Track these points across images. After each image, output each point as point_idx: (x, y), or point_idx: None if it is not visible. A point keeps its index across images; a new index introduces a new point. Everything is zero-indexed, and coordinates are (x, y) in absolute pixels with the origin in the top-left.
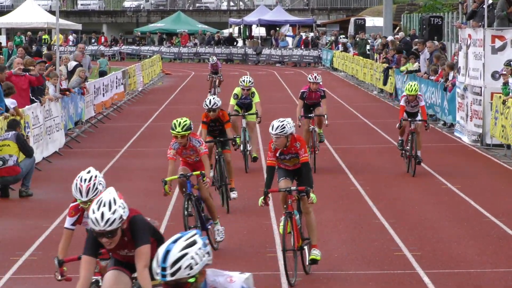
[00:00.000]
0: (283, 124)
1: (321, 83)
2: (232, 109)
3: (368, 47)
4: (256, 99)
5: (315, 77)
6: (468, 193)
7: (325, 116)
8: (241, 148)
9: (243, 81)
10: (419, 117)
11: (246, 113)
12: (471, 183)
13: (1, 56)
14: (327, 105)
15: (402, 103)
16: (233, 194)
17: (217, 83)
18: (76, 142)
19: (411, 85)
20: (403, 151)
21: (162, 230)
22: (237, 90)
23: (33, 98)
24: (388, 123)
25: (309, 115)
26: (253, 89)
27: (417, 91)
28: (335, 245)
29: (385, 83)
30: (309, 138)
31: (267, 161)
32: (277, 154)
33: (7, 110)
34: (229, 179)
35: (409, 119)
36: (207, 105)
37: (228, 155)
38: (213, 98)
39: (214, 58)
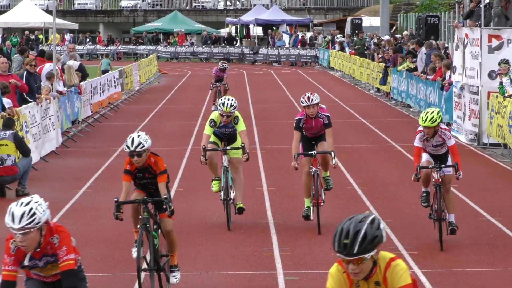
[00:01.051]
0: (32, 209)
1: (321, 104)
2: (208, 141)
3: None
4: (241, 126)
5: (308, 97)
6: (464, 192)
7: (332, 153)
8: (221, 196)
9: (223, 104)
10: (449, 162)
11: (227, 148)
12: (468, 182)
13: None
14: (333, 137)
15: (416, 142)
16: (174, 278)
17: (222, 93)
18: (72, 142)
19: (427, 113)
20: (431, 213)
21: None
22: (214, 114)
23: (27, 97)
24: (385, 122)
25: (310, 152)
26: (237, 113)
27: (436, 121)
28: (332, 244)
29: (384, 83)
30: (311, 185)
31: (2, 272)
32: (26, 261)
33: (3, 109)
34: (169, 253)
35: (432, 166)
36: (128, 147)
37: (167, 223)
38: (138, 136)
39: (226, 63)
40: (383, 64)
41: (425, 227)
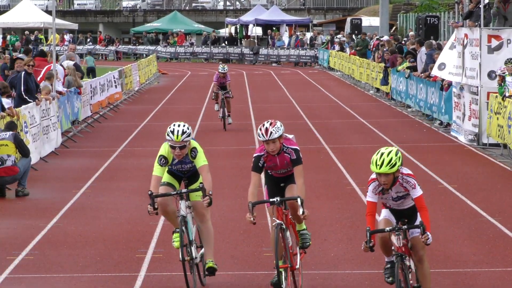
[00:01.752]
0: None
1: (286, 134)
2: (157, 184)
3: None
4: (201, 160)
5: (266, 130)
6: (464, 192)
7: (299, 200)
8: (180, 255)
9: (172, 132)
10: (418, 221)
11: (183, 190)
12: (467, 182)
13: (7, 55)
14: (304, 177)
15: (369, 196)
16: None
17: (225, 104)
18: (72, 142)
19: (381, 155)
20: None
21: (158, 230)
22: (164, 148)
23: (26, 98)
24: (385, 123)
25: (273, 199)
26: (194, 143)
27: (396, 165)
28: (331, 245)
29: (386, 83)
30: (279, 242)
31: None
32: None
33: (3, 109)
34: None
35: (389, 229)
36: None
37: None
38: None
39: (226, 66)
40: (382, 64)
41: None
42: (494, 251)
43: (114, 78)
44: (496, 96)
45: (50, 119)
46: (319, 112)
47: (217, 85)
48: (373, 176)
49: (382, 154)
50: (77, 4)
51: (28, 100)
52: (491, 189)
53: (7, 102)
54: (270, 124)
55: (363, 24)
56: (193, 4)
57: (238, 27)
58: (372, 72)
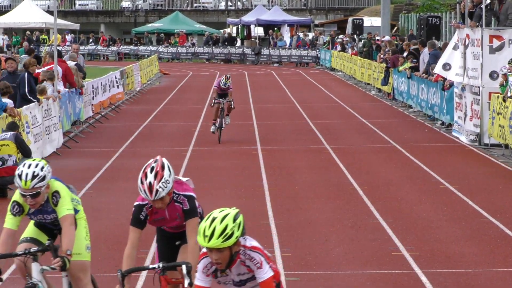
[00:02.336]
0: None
1: (178, 177)
2: (8, 241)
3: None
4: (63, 209)
5: (150, 186)
6: (465, 192)
7: (184, 268)
8: None
9: (19, 176)
10: None
11: (34, 249)
12: (469, 182)
13: (17, 55)
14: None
15: (198, 279)
16: None
17: (225, 111)
18: (74, 142)
19: (212, 220)
20: None
21: None
22: (18, 194)
23: (31, 98)
24: (386, 123)
25: (154, 265)
26: (56, 185)
27: (232, 237)
28: (332, 245)
29: (386, 83)
30: None
31: None
32: None
33: (4, 110)
34: None
35: None
36: None
37: None
38: None
39: (229, 81)
40: (384, 65)
41: (425, 228)
42: (495, 252)
43: (115, 78)
44: (498, 96)
45: (52, 120)
46: (321, 112)
47: (217, 91)
48: (205, 250)
49: (213, 220)
50: (79, 5)
51: (33, 100)
52: (493, 190)
53: (8, 102)
54: (155, 175)
55: (364, 25)
56: (195, 5)
57: (239, 27)
58: (374, 73)
